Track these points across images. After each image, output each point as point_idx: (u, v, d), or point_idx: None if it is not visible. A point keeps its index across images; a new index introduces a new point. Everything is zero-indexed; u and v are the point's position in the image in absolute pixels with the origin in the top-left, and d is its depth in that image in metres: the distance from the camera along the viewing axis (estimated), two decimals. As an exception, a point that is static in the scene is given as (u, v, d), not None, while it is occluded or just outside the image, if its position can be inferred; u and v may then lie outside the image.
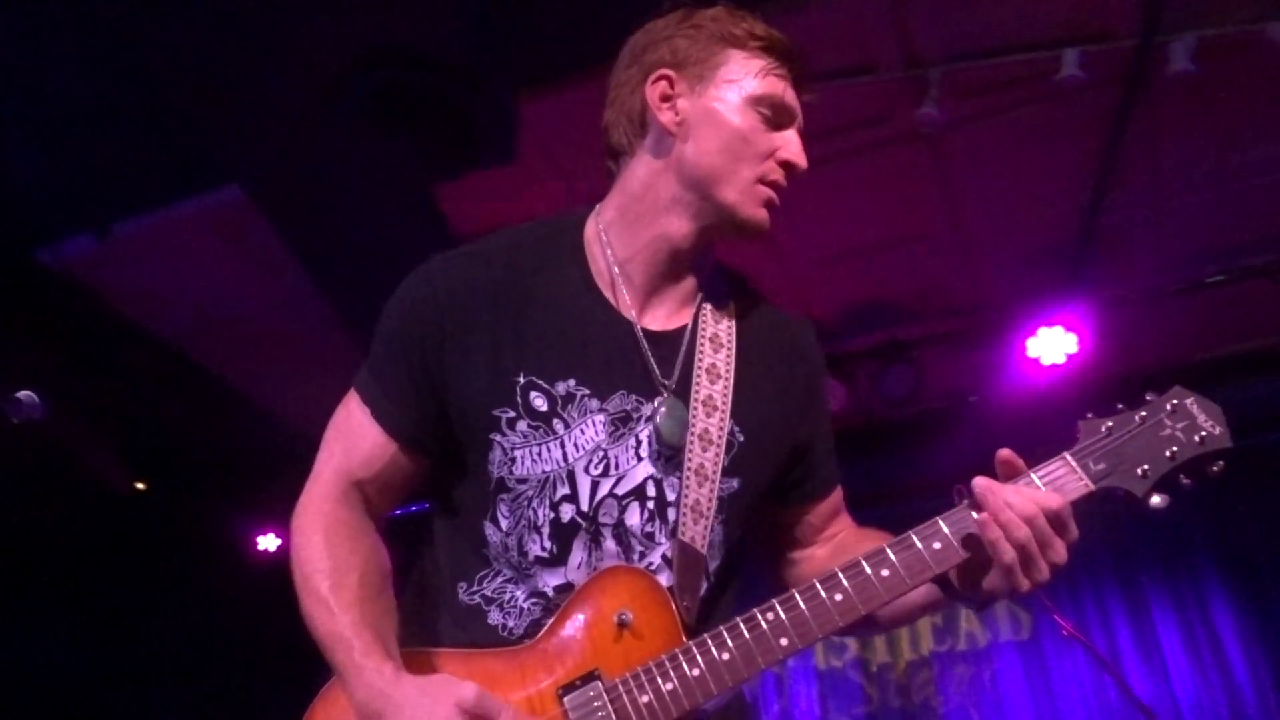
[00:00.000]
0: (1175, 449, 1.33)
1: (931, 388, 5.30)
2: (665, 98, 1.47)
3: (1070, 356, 5.03)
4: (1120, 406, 1.40)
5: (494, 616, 1.41)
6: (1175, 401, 1.37)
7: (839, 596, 1.28)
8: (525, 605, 1.39)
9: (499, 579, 1.42)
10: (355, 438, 1.49)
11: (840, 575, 1.30)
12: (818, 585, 1.30)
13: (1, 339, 4.22)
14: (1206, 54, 3.69)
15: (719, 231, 1.49)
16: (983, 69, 3.87)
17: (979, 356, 5.31)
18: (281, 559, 5.87)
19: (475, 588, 1.44)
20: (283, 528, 5.89)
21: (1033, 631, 5.83)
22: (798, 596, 1.30)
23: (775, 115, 1.47)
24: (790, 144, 1.48)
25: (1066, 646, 5.64)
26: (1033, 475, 1.34)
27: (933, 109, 3.86)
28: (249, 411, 5.32)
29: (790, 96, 1.50)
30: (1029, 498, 1.27)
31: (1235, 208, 4.67)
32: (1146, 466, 1.32)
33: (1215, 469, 1.34)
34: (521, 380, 1.39)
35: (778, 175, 1.47)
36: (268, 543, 6.01)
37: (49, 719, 4.85)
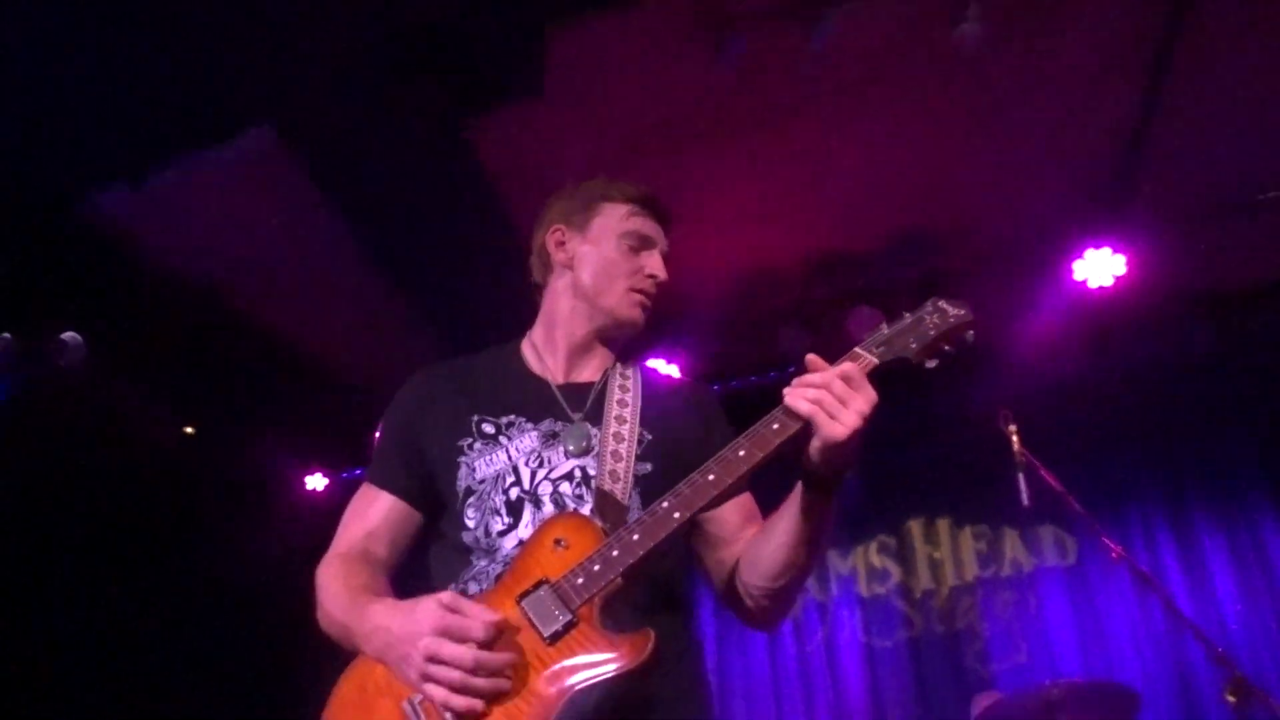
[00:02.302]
0: (933, 329, 1.76)
1: (976, 315, 5.20)
2: (559, 243, 2.10)
3: (1118, 279, 4.92)
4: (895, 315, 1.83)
5: (472, 589, 1.79)
6: (931, 304, 1.81)
7: (711, 476, 1.67)
8: (493, 571, 1.80)
9: (477, 566, 1.83)
10: (364, 506, 1.97)
11: (710, 463, 1.69)
12: (694, 474, 1.68)
13: (41, 291, 4.27)
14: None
15: (609, 330, 2.06)
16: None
17: (1023, 282, 5.21)
18: (329, 497, 5.91)
19: (461, 581, 1.83)
20: (328, 467, 6.03)
21: (1078, 557, 5.81)
22: (682, 485, 1.68)
23: (639, 244, 2.07)
24: (650, 261, 2.07)
25: (1112, 572, 5.60)
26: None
27: (972, 26, 3.72)
28: (289, 355, 5.36)
29: (649, 228, 2.09)
30: (831, 370, 1.66)
31: (1292, 122, 4.50)
32: (914, 343, 1.75)
33: (969, 336, 1.79)
34: (475, 418, 1.94)
35: (644, 285, 2.06)
36: (315, 482, 6.13)
37: (97, 664, 4.98)
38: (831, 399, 1.59)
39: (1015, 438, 3.68)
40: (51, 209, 4.23)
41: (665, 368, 5.34)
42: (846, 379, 1.62)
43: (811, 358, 1.68)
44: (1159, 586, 4.35)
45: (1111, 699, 4.03)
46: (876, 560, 6.19)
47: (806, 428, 1.63)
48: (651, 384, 2.06)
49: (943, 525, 6.15)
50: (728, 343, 5.55)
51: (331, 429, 5.75)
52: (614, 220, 2.07)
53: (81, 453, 4.99)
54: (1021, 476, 3.60)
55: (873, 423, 1.61)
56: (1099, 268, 4.90)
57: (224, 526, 5.53)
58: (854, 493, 6.17)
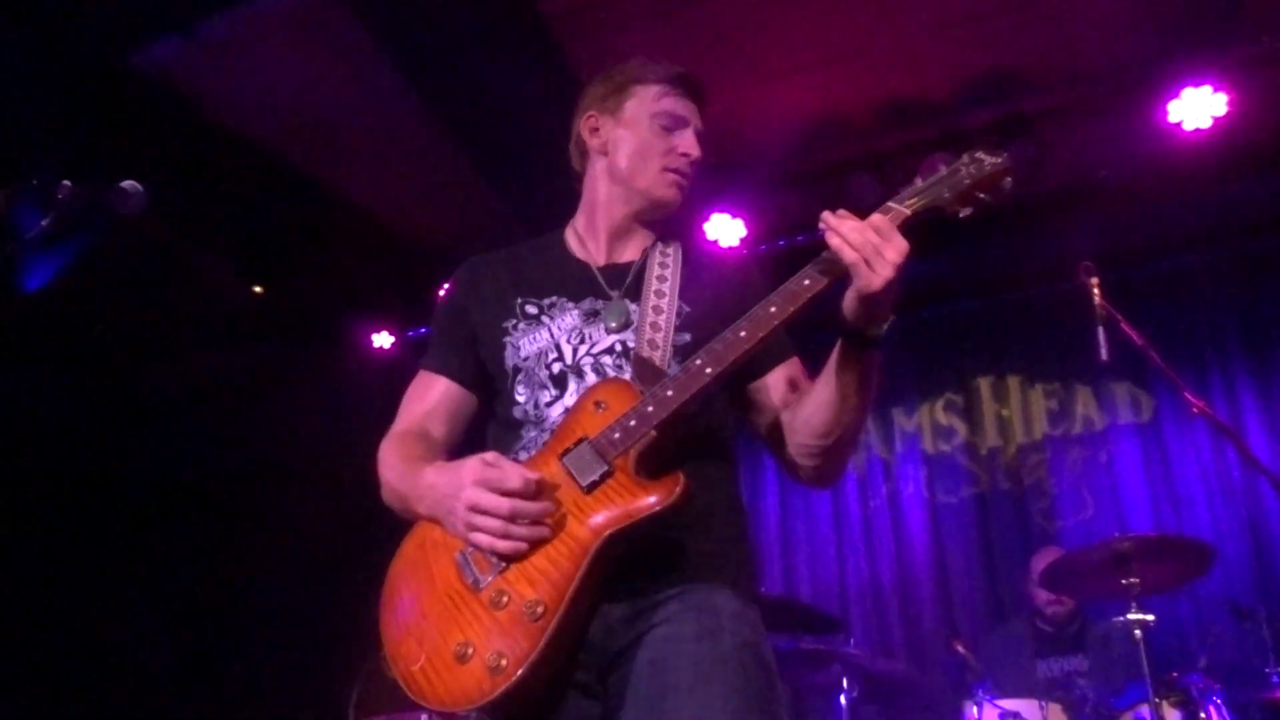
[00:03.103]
0: (968, 178, 1.78)
1: (1057, 162, 4.93)
2: (593, 130, 2.13)
3: (1216, 120, 4.59)
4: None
5: (522, 457, 1.88)
6: (968, 156, 1.81)
7: (743, 333, 1.75)
8: (541, 439, 1.89)
9: (527, 437, 1.92)
10: (421, 390, 2.08)
11: (741, 321, 1.76)
12: (726, 331, 1.76)
13: (99, 142, 4.25)
14: None
15: (646, 212, 2.10)
16: None
17: (1112, 125, 4.89)
18: (396, 355, 5.92)
19: (513, 452, 1.91)
20: (394, 325, 6.09)
21: (1153, 414, 5.68)
22: (714, 342, 1.76)
23: (671, 123, 2.08)
24: (684, 140, 2.08)
25: (1188, 429, 5.49)
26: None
27: None
28: (351, 212, 5.33)
29: (682, 108, 2.09)
30: (858, 221, 1.70)
31: None
32: (948, 194, 1.77)
33: (1005, 184, 1.78)
34: (519, 301, 2.03)
35: (679, 164, 2.07)
36: (382, 340, 6.20)
37: (167, 510, 5.16)
38: (869, 249, 1.64)
39: (1096, 291, 3.53)
40: (104, 58, 4.17)
41: (729, 223, 5.21)
42: (876, 230, 1.66)
43: (839, 213, 1.70)
44: (1239, 439, 4.22)
45: (1183, 552, 3.99)
46: (943, 418, 6.14)
47: (837, 283, 1.69)
48: (693, 258, 2.11)
49: (1013, 383, 6.05)
50: (794, 195, 5.38)
51: (396, 287, 5.78)
52: (646, 102, 2.09)
53: (152, 314, 5.08)
54: (1101, 331, 3.47)
55: (906, 276, 1.64)
56: (1197, 108, 4.57)
57: (294, 385, 5.64)
58: (919, 348, 6.09)
